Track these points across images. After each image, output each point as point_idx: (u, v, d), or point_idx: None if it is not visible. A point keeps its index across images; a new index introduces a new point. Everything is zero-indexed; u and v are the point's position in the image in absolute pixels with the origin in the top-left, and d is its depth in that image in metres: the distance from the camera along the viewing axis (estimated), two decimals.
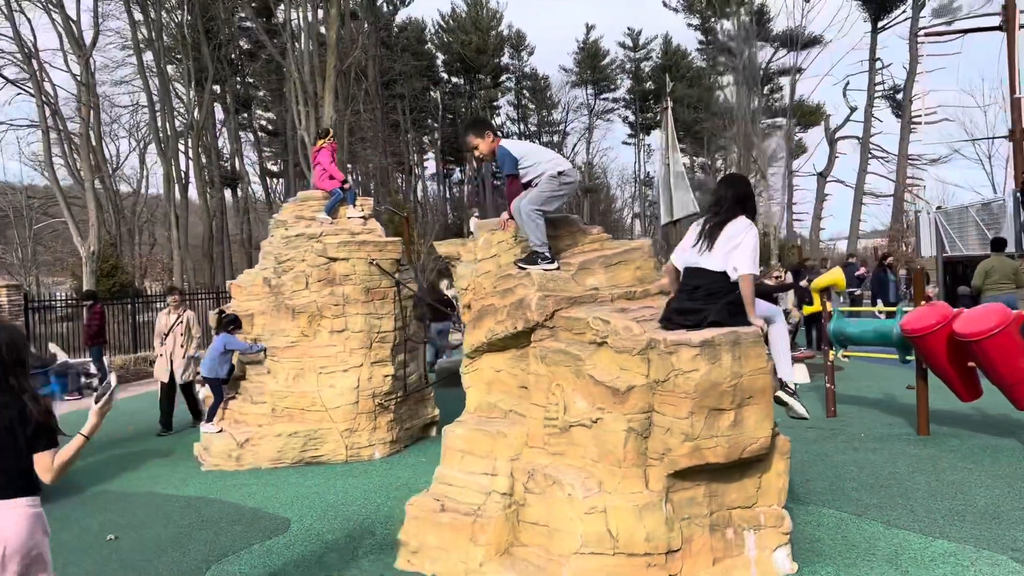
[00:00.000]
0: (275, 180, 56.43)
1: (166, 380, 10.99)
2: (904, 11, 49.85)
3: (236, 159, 47.65)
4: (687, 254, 4.85)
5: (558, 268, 5.27)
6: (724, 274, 4.65)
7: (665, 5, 64.81)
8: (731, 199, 4.81)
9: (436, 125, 66.43)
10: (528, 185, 5.53)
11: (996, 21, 21.30)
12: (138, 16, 34.73)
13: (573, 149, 73.69)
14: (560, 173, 5.38)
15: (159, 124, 34.81)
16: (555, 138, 72.17)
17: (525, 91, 70.88)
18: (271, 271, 9.72)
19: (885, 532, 5.51)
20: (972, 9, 44.17)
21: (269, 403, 8.87)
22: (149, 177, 50.45)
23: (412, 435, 9.53)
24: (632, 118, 71.32)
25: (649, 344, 4.43)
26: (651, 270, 5.53)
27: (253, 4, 42.95)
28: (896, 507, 6.05)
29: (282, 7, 42.12)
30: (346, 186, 10.26)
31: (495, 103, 69.27)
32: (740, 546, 4.71)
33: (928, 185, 49.36)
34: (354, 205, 10.11)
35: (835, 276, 10.41)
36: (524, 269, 5.23)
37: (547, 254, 5.25)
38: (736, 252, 4.63)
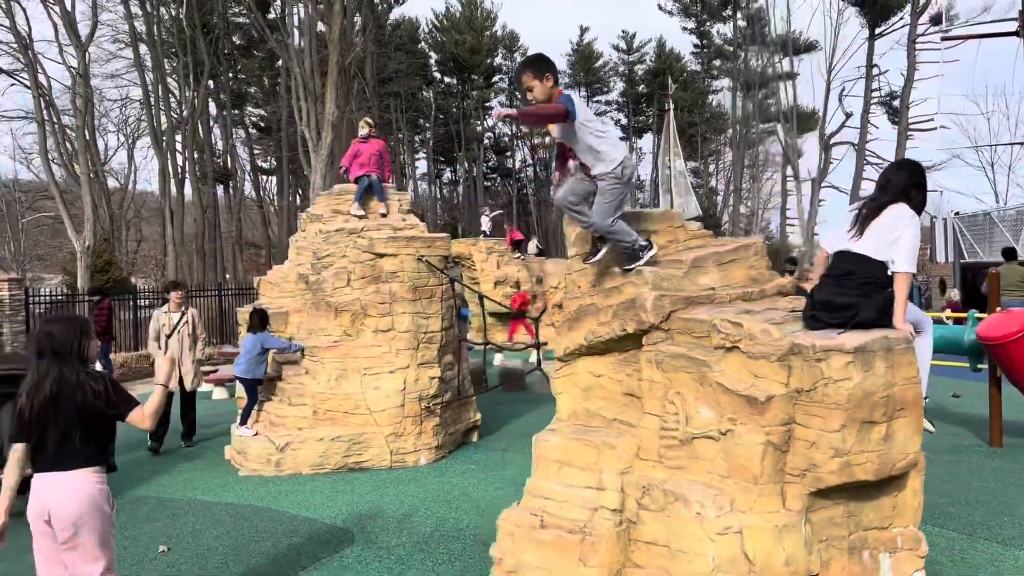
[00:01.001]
0: (265, 177, 55.87)
1: (173, 388, 9.44)
2: (902, 18, 49.89)
3: (228, 155, 47.04)
4: (840, 238, 4.47)
5: (655, 252, 4.78)
6: (881, 264, 4.26)
7: (660, 8, 64.68)
8: (900, 185, 4.41)
9: (428, 125, 66.03)
10: (565, 158, 4.88)
11: (1013, 27, 21.13)
12: (135, 9, 34.13)
13: None
14: (626, 174, 4.71)
15: (155, 118, 34.17)
16: (546, 139, 71.89)
17: (518, 92, 70.49)
18: (308, 267, 9.31)
19: (1004, 553, 5.18)
20: (971, 17, 44.36)
21: (310, 405, 8.45)
22: (137, 173, 49.84)
23: (455, 440, 9.13)
24: (625, 121, 71.13)
25: (792, 349, 4.06)
26: (764, 269, 5.17)
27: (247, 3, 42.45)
28: (1004, 525, 5.73)
29: (279, 2, 41.64)
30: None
31: (488, 103, 68.95)
32: (876, 570, 4.36)
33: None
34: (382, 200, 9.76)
35: None
36: (631, 270, 4.84)
37: (642, 241, 4.77)
38: (895, 245, 4.25)
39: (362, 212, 9.58)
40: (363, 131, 10.30)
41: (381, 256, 8.56)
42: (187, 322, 9.75)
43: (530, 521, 4.87)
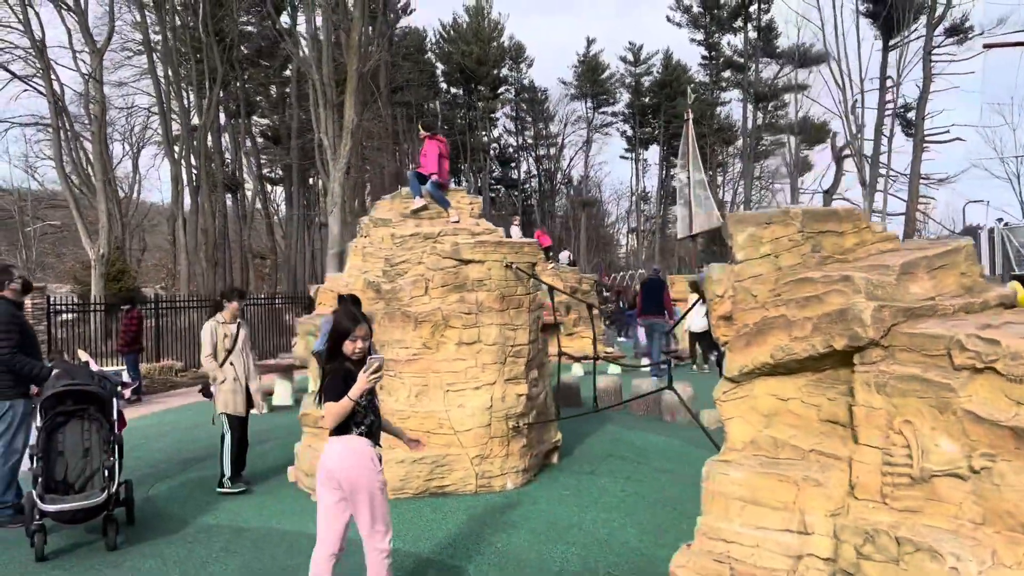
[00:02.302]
0: (271, 187, 55.27)
1: (242, 413, 8.25)
2: (916, 29, 49.50)
3: (237, 164, 46.46)
4: None
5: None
6: None
7: (669, 20, 64.43)
8: None
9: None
10: None
11: None
12: (148, 17, 33.56)
13: (570, 162, 73.15)
14: None
15: (168, 126, 33.52)
16: (551, 150, 71.58)
17: (523, 103, 70.17)
18: (379, 274, 8.64)
19: None
20: (986, 29, 43.99)
21: None
22: (142, 181, 49.24)
23: (538, 463, 8.44)
24: (631, 132, 70.77)
25: None
26: (978, 277, 4.52)
27: (259, 8, 41.91)
28: None
29: (293, 10, 41.11)
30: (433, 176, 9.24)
31: (493, 114, 68.55)
32: None
33: (939, 204, 48.92)
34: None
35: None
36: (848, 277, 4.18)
37: None
38: None
39: (423, 202, 8.95)
40: (425, 132, 9.67)
41: (466, 262, 7.89)
42: (246, 337, 8.66)
43: (716, 569, 4.21)
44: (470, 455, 7.65)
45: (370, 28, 40.72)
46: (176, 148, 33.65)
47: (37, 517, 5.94)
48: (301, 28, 40.09)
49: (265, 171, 52.23)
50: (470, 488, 7.65)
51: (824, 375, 4.29)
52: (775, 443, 4.43)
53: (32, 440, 6.51)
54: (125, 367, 14.84)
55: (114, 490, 6.22)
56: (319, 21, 32.17)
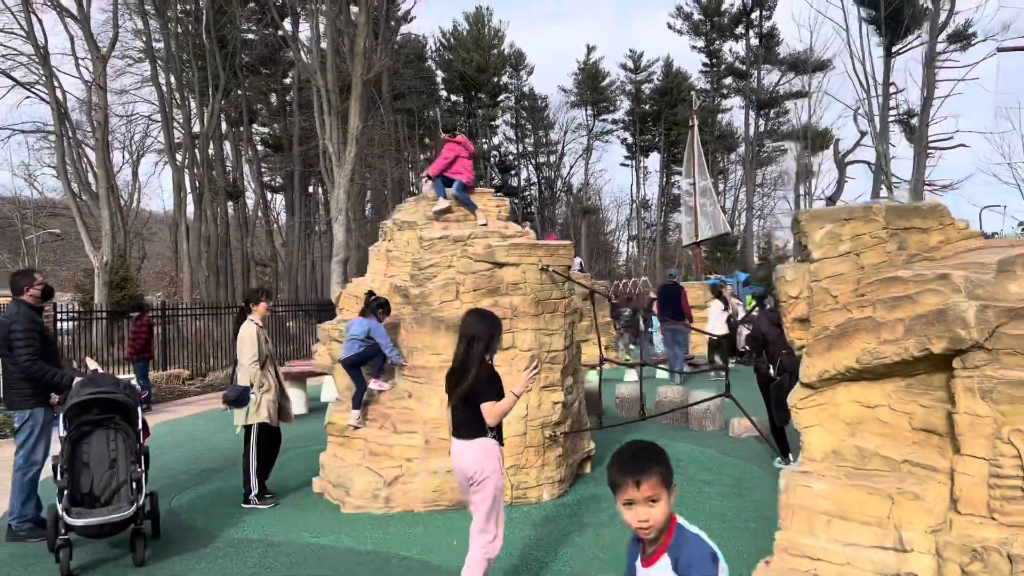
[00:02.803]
0: (271, 195, 54.98)
1: (275, 422, 7.73)
2: (919, 36, 49.39)
3: (238, 172, 46.21)
4: None
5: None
6: None
7: (670, 27, 64.34)
8: None
9: (432, 143, 65.37)
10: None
11: None
12: (151, 23, 33.33)
13: (570, 170, 73.01)
14: None
15: (171, 133, 33.25)
16: (551, 158, 71.46)
17: (523, 111, 70.02)
18: (406, 278, 8.37)
19: None
20: (989, 33, 43.96)
21: (421, 433, 7.48)
22: (142, 190, 48.95)
23: (572, 473, 8.16)
24: (631, 140, 70.63)
25: None
26: None
27: (259, 16, 41.71)
28: None
29: (294, 16, 40.89)
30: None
31: (494, 122, 68.38)
32: None
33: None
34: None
35: None
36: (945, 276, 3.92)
37: None
38: None
39: (447, 203, 8.67)
40: (446, 135, 9.38)
41: (500, 266, 7.62)
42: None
43: None
44: (505, 465, 7.36)
45: (375, 35, 40.58)
46: (179, 155, 33.35)
47: (63, 532, 5.65)
48: (303, 35, 39.97)
49: (265, 179, 51.96)
50: (505, 500, 7.34)
51: (915, 380, 4.03)
52: (861, 453, 4.17)
53: (55, 451, 6.23)
54: (134, 375, 14.51)
55: (141, 502, 5.94)
56: (323, 27, 31.95)
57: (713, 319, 16.76)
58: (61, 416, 6.20)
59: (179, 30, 35.70)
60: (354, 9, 35.41)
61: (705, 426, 10.98)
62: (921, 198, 47.56)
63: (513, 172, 72.87)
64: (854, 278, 4.27)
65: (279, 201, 56.64)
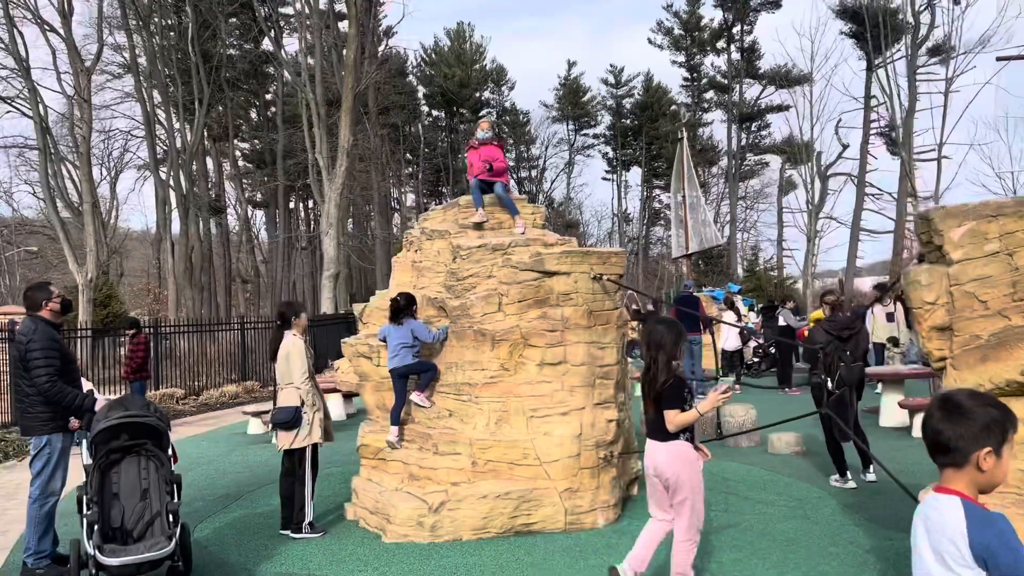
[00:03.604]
0: (253, 210, 54.28)
1: (320, 441, 7.18)
2: (899, 49, 49.70)
3: (220, 188, 45.54)
4: None
5: None
6: None
7: (650, 43, 64.40)
8: None
9: (412, 158, 65.04)
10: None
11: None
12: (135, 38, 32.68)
13: (551, 184, 72.87)
14: None
15: (154, 148, 32.53)
16: (532, 172, 71.31)
17: (505, 126, 69.80)
18: (440, 290, 7.88)
19: None
20: (968, 47, 44.32)
21: (466, 455, 6.97)
22: (120, 207, 48.15)
23: (622, 495, 7.68)
24: (612, 154, 70.65)
25: None
26: None
27: (244, 32, 41.19)
28: None
29: (278, 30, 40.37)
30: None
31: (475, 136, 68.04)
32: None
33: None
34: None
35: None
36: None
37: None
38: None
39: (484, 217, 8.21)
40: (480, 133, 8.91)
41: (550, 275, 7.15)
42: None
43: None
44: (559, 488, 6.88)
45: (362, 48, 40.17)
46: (163, 170, 32.65)
47: (93, 572, 5.09)
48: (290, 49, 39.48)
49: (247, 194, 51.26)
50: (558, 526, 6.88)
51: None
52: None
53: (71, 477, 5.67)
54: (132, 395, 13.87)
55: (178, 536, 5.39)
56: (310, 39, 31.49)
57: (726, 330, 16.40)
58: (85, 442, 5.67)
59: (163, 43, 35.09)
60: (342, 24, 35.09)
61: (740, 442, 10.55)
62: (905, 209, 47.80)
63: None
64: (1007, 281, 3.86)
65: (259, 217, 55.98)
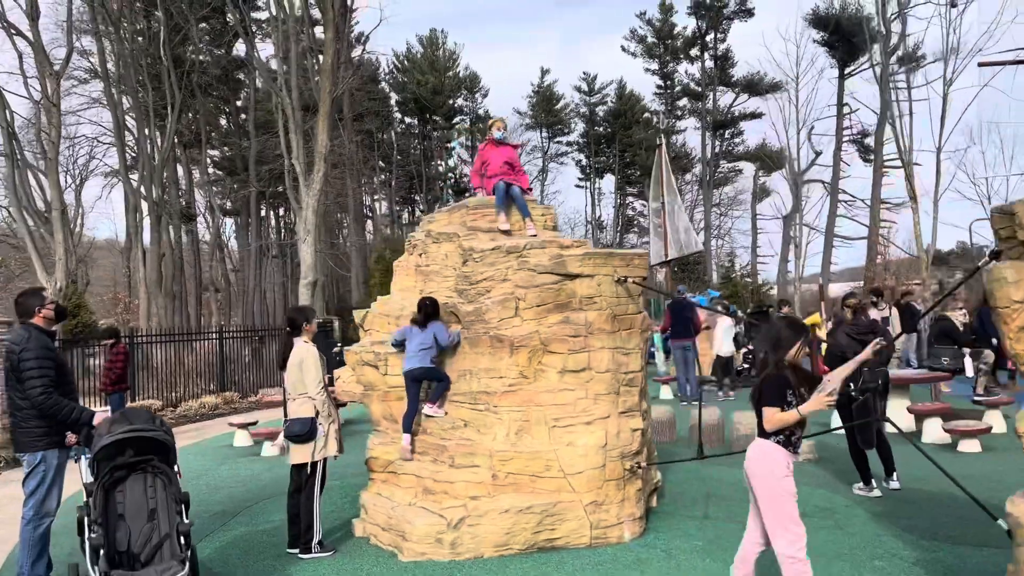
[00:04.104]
0: (224, 217, 53.40)
1: (335, 454, 6.88)
2: (871, 57, 50.14)
3: (190, 195, 44.73)
4: None
5: None
6: None
7: (624, 50, 64.56)
8: None
9: (385, 165, 64.52)
10: None
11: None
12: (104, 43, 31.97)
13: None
14: None
15: (124, 155, 31.80)
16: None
17: (479, 133, 69.54)
18: (451, 294, 7.53)
19: None
20: (937, 56, 44.78)
21: (485, 467, 6.62)
22: (86, 215, 47.18)
23: (645, 507, 7.37)
24: (585, 161, 70.72)
25: None
26: None
27: (215, 37, 40.56)
28: None
29: (250, 36, 39.76)
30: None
31: (449, 144, 67.74)
32: None
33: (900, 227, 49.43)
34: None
35: None
36: None
37: None
38: None
39: (508, 226, 7.88)
40: (496, 133, 8.58)
41: (572, 277, 6.84)
42: None
43: None
44: (583, 502, 6.56)
45: (339, 53, 39.61)
46: (134, 178, 31.94)
47: None
48: (263, 54, 38.87)
49: (217, 201, 50.43)
50: (583, 540, 6.55)
51: None
52: None
53: (67, 499, 5.24)
54: (109, 408, 13.31)
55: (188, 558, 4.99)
56: (286, 45, 30.96)
57: (720, 336, 16.20)
58: (84, 459, 5.26)
59: (133, 48, 34.37)
60: (317, 29, 34.63)
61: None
62: (878, 216, 48.19)
63: (468, 194, 72.18)
64: None
65: (229, 225, 55.09)
